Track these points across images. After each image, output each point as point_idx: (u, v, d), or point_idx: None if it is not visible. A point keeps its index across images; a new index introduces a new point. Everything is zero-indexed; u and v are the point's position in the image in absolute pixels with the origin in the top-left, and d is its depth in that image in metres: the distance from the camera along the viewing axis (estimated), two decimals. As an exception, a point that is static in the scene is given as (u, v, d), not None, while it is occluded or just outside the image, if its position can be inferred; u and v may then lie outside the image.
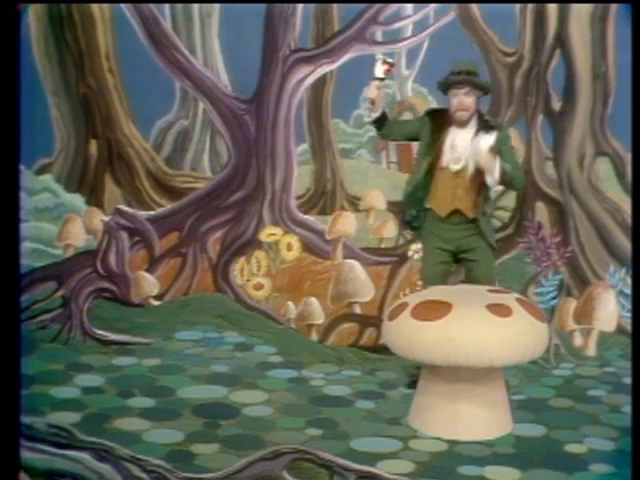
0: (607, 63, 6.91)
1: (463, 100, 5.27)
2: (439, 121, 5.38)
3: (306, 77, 7.37)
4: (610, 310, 6.59)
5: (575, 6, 6.89)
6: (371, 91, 5.38)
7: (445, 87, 5.35)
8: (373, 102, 5.38)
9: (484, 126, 5.30)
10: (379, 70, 5.40)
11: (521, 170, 5.52)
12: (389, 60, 5.41)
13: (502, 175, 5.19)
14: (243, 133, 7.40)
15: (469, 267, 5.55)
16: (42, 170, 7.85)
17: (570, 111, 6.98)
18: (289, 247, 7.18)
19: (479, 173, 5.25)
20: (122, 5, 7.34)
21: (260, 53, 7.31)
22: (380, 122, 5.45)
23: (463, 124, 5.31)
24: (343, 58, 7.31)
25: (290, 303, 6.96)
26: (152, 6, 7.33)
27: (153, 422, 4.99)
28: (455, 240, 5.46)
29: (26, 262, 6.79)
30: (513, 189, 5.85)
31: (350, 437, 4.86)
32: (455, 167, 5.33)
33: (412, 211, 5.54)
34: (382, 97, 5.45)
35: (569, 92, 7.00)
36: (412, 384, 5.36)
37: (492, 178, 5.20)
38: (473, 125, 5.33)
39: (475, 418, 4.86)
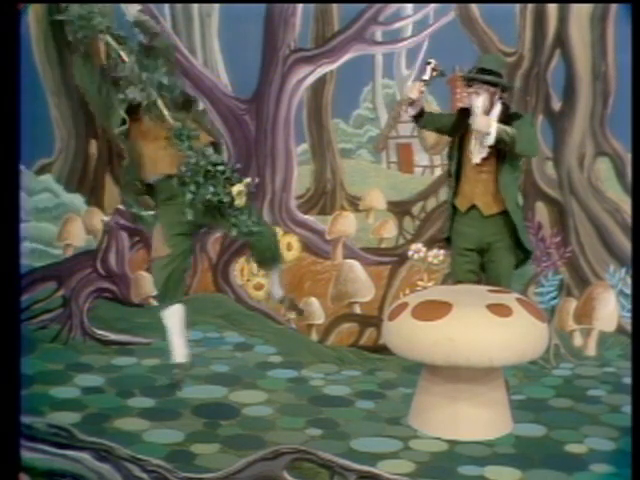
0: (607, 63, 6.91)
1: (472, 99, 5.27)
2: (463, 119, 5.34)
3: (306, 77, 7.38)
4: (610, 310, 6.59)
5: (575, 6, 6.89)
6: (413, 92, 5.33)
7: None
8: (413, 103, 5.35)
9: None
10: (428, 74, 5.39)
11: (532, 141, 5.28)
12: (439, 68, 5.42)
13: (503, 135, 5.10)
14: (243, 133, 7.39)
15: (486, 267, 5.45)
16: (42, 170, 7.83)
17: (570, 111, 6.98)
18: (289, 247, 7.18)
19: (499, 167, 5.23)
20: (122, 5, 7.34)
21: (260, 53, 7.31)
22: (418, 116, 5.43)
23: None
24: (343, 58, 7.32)
25: (290, 303, 6.96)
26: (152, 6, 7.33)
27: (153, 422, 4.99)
28: (475, 237, 5.36)
29: (26, 262, 6.78)
30: (521, 154, 5.31)
31: (350, 437, 4.87)
32: (475, 159, 5.29)
33: None
34: (421, 97, 5.42)
35: (569, 92, 7.00)
36: None
37: (489, 137, 5.15)
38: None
39: (475, 418, 4.86)
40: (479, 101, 5.23)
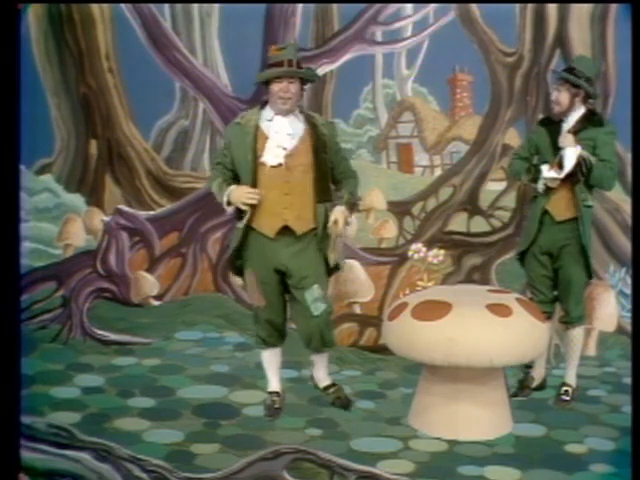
0: (607, 63, 6.91)
1: (555, 95, 5.24)
2: (552, 127, 5.33)
3: (306, 77, 7.37)
4: (610, 310, 6.59)
5: (575, 6, 6.90)
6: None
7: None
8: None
9: (588, 124, 5.20)
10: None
11: (611, 169, 5.18)
12: None
13: (582, 163, 5.07)
14: (243, 133, 7.38)
15: (558, 274, 5.38)
16: (42, 170, 7.84)
17: (570, 111, 6.97)
18: (289, 247, 7.16)
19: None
20: (122, 5, 7.34)
21: (260, 53, 7.30)
22: None
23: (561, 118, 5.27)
24: (343, 58, 7.31)
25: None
26: (152, 6, 7.33)
27: (153, 422, 4.99)
28: (546, 242, 5.33)
29: (26, 262, 6.79)
30: (597, 186, 5.28)
31: (350, 437, 4.86)
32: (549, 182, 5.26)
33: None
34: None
35: (569, 92, 7.00)
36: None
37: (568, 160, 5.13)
38: (575, 122, 5.24)
39: (475, 418, 4.86)
40: (559, 96, 5.20)
